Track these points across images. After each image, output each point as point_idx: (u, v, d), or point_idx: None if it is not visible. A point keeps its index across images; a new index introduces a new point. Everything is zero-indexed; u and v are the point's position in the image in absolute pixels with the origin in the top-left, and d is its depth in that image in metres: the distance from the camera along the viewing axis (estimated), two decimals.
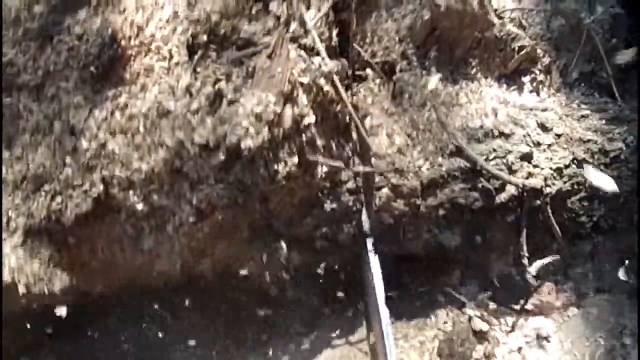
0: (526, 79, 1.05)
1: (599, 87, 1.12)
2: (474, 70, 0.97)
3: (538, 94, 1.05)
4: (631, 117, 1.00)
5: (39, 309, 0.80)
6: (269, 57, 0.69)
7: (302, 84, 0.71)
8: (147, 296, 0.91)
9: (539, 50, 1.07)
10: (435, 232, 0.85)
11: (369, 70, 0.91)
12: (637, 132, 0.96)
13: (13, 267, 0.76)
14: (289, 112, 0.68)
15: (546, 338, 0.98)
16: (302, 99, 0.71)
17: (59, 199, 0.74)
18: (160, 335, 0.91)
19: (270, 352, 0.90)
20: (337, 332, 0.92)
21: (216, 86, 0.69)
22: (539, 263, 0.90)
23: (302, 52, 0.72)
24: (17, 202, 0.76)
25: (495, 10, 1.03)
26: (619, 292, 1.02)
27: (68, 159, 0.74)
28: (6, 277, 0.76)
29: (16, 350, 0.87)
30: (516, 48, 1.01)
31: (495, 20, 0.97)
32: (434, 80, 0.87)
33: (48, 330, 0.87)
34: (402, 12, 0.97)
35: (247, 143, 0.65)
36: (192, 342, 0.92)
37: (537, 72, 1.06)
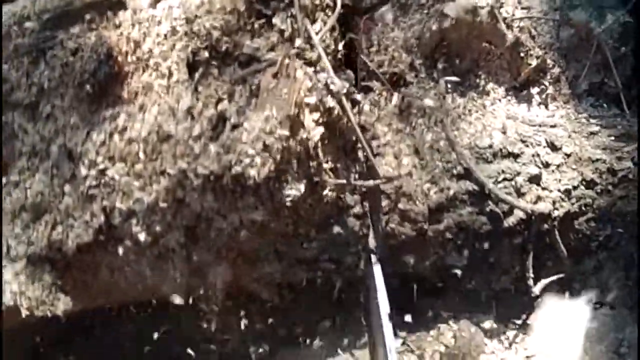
0: (535, 91, 1.00)
1: (608, 97, 1.07)
2: (483, 82, 0.92)
3: (547, 107, 1.00)
4: None
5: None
6: (274, 76, 0.64)
7: (308, 104, 0.66)
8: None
9: (548, 61, 1.02)
10: (442, 254, 0.82)
11: (375, 82, 0.87)
12: (637, 147, 0.92)
13: (15, 291, 0.74)
14: (296, 137, 0.65)
15: (548, 352, 0.98)
16: (309, 120, 0.67)
17: (59, 228, 0.70)
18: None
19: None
20: (341, 344, 0.92)
21: (218, 108, 0.64)
22: (543, 282, 0.88)
23: (309, 70, 0.67)
24: (17, 231, 0.73)
25: (505, 19, 0.98)
26: (621, 307, 1.01)
27: (67, 188, 0.70)
28: (8, 301, 0.74)
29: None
30: (526, 59, 0.97)
31: (505, 31, 0.92)
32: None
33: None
34: (409, 22, 0.92)
35: (253, 173, 0.61)
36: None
37: (547, 83, 1.01)
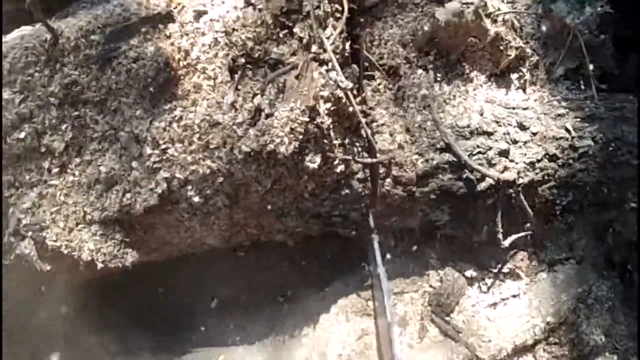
0: (514, 77, 1.33)
1: (585, 80, 1.39)
2: (468, 70, 1.25)
3: (524, 91, 1.32)
4: (605, 115, 1.27)
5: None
6: (297, 77, 0.97)
7: (322, 96, 0.99)
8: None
9: (528, 50, 1.34)
10: (428, 211, 1.18)
11: (376, 72, 1.18)
12: (637, 125, 1.20)
13: (92, 249, 1.09)
14: (314, 122, 0.98)
15: (517, 296, 1.35)
16: (323, 108, 0.99)
17: (128, 195, 1.04)
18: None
19: (300, 299, 1.26)
20: (350, 286, 1.28)
21: (255, 101, 0.97)
22: (513, 237, 1.23)
23: (323, 71, 1.00)
24: (92, 199, 1.07)
25: (490, 13, 1.28)
26: (586, 263, 1.37)
27: (134, 164, 1.04)
28: (86, 257, 1.09)
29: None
30: (506, 51, 1.27)
31: (489, 27, 1.22)
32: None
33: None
34: (405, 19, 1.25)
35: (282, 150, 0.95)
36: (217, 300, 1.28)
37: (525, 70, 1.33)
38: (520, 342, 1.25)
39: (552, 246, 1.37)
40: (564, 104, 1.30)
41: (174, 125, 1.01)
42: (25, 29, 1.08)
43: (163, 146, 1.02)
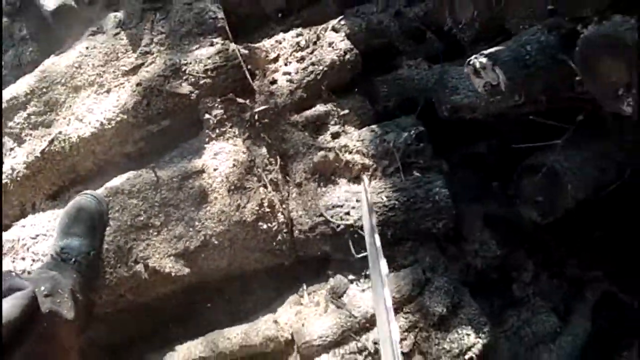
0: (363, 176, 2.99)
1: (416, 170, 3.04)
2: (336, 178, 2.94)
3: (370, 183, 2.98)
4: (408, 187, 2.85)
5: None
6: (254, 193, 2.69)
7: (264, 199, 2.69)
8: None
9: (370, 163, 3.02)
10: (320, 246, 2.81)
11: (293, 187, 2.91)
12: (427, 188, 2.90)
13: (170, 266, 2.75)
14: (262, 209, 2.68)
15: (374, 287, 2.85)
16: (266, 205, 2.72)
17: (187, 242, 2.77)
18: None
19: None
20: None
21: (239, 202, 2.70)
22: (362, 254, 2.77)
23: (265, 190, 2.72)
24: (171, 245, 2.79)
25: (347, 147, 3.01)
26: (423, 268, 2.88)
27: (190, 229, 2.78)
28: (168, 270, 2.75)
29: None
30: (355, 165, 2.96)
31: (344, 157, 2.94)
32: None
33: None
34: (305, 160, 3.05)
35: (248, 220, 2.64)
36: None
37: (369, 173, 3.00)
38: None
39: (400, 260, 2.90)
40: (387, 187, 2.93)
41: (207, 213, 2.75)
42: (135, 174, 2.90)
43: (203, 221, 2.74)
